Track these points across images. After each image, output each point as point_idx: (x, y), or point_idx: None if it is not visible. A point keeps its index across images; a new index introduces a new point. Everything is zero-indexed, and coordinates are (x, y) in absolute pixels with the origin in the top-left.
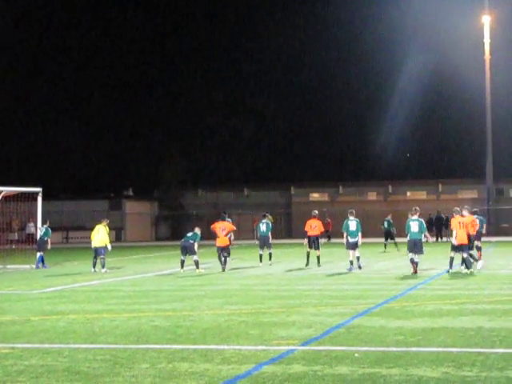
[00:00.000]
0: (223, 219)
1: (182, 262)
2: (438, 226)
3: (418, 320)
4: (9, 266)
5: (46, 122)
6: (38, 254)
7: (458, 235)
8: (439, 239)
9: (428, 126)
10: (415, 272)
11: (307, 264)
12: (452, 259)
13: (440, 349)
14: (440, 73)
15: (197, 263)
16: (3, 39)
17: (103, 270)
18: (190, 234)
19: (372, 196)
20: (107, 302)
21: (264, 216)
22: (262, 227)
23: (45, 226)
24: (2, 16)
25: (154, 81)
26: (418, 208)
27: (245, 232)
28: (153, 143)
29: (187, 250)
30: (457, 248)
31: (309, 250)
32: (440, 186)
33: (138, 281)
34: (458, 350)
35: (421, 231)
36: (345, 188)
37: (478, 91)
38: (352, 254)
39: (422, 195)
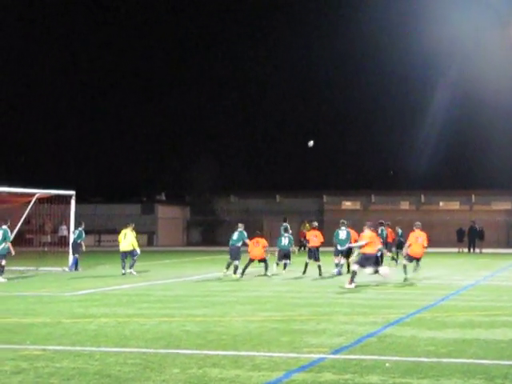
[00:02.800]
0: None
1: (228, 265)
2: (471, 237)
3: (449, 331)
4: (41, 268)
5: (81, 125)
6: (73, 257)
7: (413, 248)
8: (471, 250)
9: (462, 135)
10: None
11: (304, 272)
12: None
13: (471, 360)
14: (472, 83)
15: (235, 268)
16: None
17: (129, 270)
18: (235, 237)
19: (404, 205)
20: (138, 305)
21: (285, 229)
22: (284, 241)
23: (79, 228)
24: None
25: (187, 84)
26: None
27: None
28: (185, 148)
29: (231, 254)
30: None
31: (308, 260)
32: (473, 196)
33: (169, 285)
34: (490, 362)
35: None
36: (377, 197)
37: (510, 101)
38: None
39: (454, 205)
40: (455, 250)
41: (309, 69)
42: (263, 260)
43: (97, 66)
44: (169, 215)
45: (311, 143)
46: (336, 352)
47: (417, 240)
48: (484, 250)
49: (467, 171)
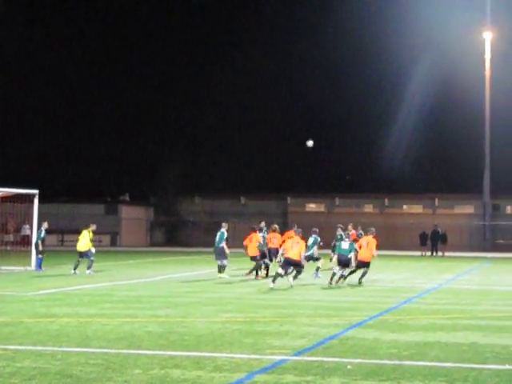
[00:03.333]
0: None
1: (219, 267)
2: (434, 240)
3: (411, 334)
4: (3, 268)
5: (45, 124)
6: (38, 257)
7: (361, 253)
8: (434, 253)
9: (426, 140)
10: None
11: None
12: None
13: (433, 363)
14: (438, 88)
15: (220, 268)
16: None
17: (88, 272)
18: (217, 238)
19: (368, 208)
20: (101, 306)
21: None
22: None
23: (42, 228)
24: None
25: (153, 86)
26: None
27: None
28: (150, 149)
29: (216, 255)
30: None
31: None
32: (437, 200)
33: (131, 286)
34: (451, 364)
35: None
36: (341, 199)
37: (476, 107)
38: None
39: (418, 209)
40: (418, 253)
41: (278, 70)
42: (254, 258)
43: (63, 63)
44: (132, 216)
45: (310, 143)
46: (298, 354)
47: (367, 245)
48: (446, 254)
49: (431, 175)
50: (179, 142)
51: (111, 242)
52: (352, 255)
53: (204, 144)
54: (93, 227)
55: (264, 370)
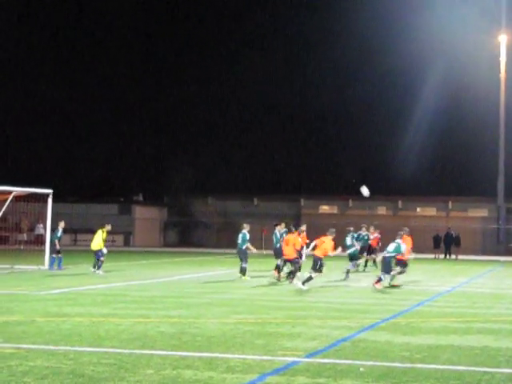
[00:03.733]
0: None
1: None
2: (447, 243)
3: (424, 336)
4: (16, 267)
5: (59, 124)
6: (58, 256)
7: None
8: (447, 256)
9: (440, 142)
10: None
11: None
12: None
13: (445, 366)
14: (454, 91)
15: (242, 270)
16: None
17: (97, 271)
18: (239, 240)
19: (382, 211)
20: (113, 306)
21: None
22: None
23: (59, 227)
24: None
25: (166, 86)
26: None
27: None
28: (164, 149)
29: (239, 257)
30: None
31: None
32: (450, 203)
33: (144, 286)
34: (464, 368)
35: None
36: (355, 201)
37: (491, 110)
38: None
39: (431, 212)
40: (431, 256)
41: (291, 71)
42: (292, 261)
43: (73, 64)
44: (146, 216)
45: (366, 192)
46: (310, 356)
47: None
48: (460, 257)
49: (445, 178)
50: (193, 142)
51: (124, 241)
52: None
53: (218, 144)
54: (108, 227)
55: (276, 372)
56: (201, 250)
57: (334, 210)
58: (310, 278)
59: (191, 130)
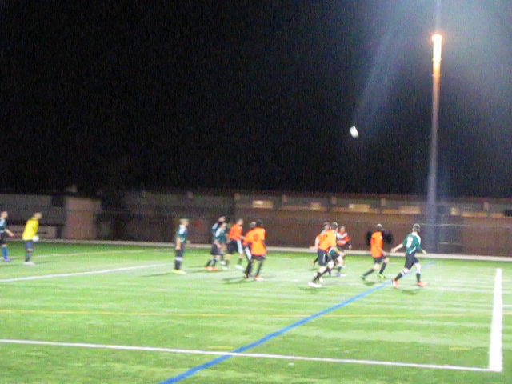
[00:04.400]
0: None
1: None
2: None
3: (353, 332)
4: None
5: None
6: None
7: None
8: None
9: (374, 141)
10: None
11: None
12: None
13: (374, 362)
14: (388, 90)
15: (176, 263)
16: None
17: (25, 263)
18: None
19: (315, 207)
20: (44, 298)
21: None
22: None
23: (1, 217)
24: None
25: (103, 79)
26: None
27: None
28: (98, 141)
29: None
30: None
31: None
32: (383, 200)
33: (76, 278)
34: (392, 363)
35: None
36: (289, 197)
37: (424, 109)
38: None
39: (364, 208)
40: (364, 252)
41: (225, 64)
42: (259, 257)
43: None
44: (79, 208)
45: (354, 132)
46: (240, 350)
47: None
48: (391, 254)
49: (378, 176)
50: (128, 135)
51: (57, 233)
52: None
53: (152, 137)
54: (37, 216)
55: (206, 366)
56: (134, 243)
57: (268, 205)
58: (319, 274)
59: (127, 123)
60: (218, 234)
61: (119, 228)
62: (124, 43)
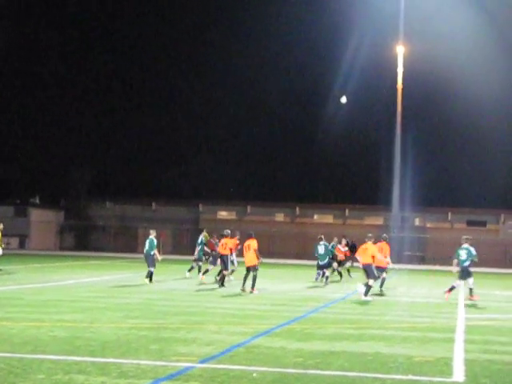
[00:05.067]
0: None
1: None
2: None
3: (317, 343)
4: None
5: None
6: None
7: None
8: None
9: (338, 151)
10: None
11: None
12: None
13: (338, 372)
14: (353, 101)
15: (148, 274)
16: None
17: None
18: (146, 246)
19: (279, 217)
20: (6, 309)
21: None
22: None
23: None
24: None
25: (67, 88)
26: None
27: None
28: (61, 151)
29: (146, 261)
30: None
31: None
32: (347, 211)
33: (39, 290)
34: (356, 374)
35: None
36: (253, 208)
37: (389, 120)
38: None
39: (328, 219)
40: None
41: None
42: (253, 268)
43: None
44: (42, 219)
45: (344, 99)
46: (204, 361)
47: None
48: (355, 264)
49: (342, 187)
50: (92, 146)
51: (20, 244)
52: None
53: (116, 148)
54: (0, 227)
55: (169, 377)
56: (98, 253)
57: (233, 215)
58: (369, 287)
59: (90, 134)
60: (199, 240)
61: (83, 239)
62: (88, 50)
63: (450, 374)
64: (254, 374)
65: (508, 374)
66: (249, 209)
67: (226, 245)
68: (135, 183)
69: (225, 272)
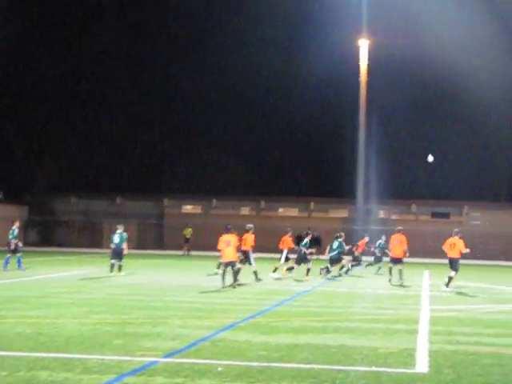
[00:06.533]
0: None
1: (112, 266)
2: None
3: (282, 336)
4: None
5: None
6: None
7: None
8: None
9: (303, 145)
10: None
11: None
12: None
13: (302, 365)
14: (316, 94)
15: (119, 267)
16: None
17: None
18: (117, 240)
19: (245, 211)
20: None
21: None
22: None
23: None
24: None
25: (30, 82)
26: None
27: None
28: (25, 145)
29: (117, 255)
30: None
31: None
32: (312, 203)
33: (3, 286)
34: (320, 366)
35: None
36: (218, 201)
37: (353, 113)
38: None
39: (294, 212)
40: (293, 256)
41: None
42: (233, 263)
43: None
44: (5, 214)
45: (431, 158)
46: (169, 355)
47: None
48: (321, 257)
49: (307, 179)
50: (56, 140)
51: None
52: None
53: (81, 142)
54: None
55: (134, 372)
56: (63, 249)
57: (198, 209)
58: (450, 279)
59: (54, 127)
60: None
61: (47, 234)
62: (51, 46)
63: (413, 365)
64: (219, 368)
65: (471, 364)
66: (214, 202)
67: (246, 240)
68: (100, 178)
69: (253, 268)
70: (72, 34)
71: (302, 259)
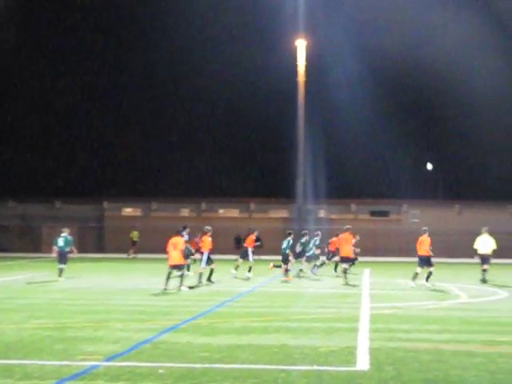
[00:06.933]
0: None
1: (61, 270)
2: (238, 243)
3: (224, 337)
4: None
5: None
6: None
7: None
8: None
9: (243, 145)
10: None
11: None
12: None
13: (244, 366)
14: (255, 95)
15: (60, 271)
16: None
17: None
18: (61, 243)
19: (185, 212)
20: None
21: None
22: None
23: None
24: None
25: None
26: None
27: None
28: None
29: (61, 258)
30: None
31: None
32: (252, 204)
33: None
34: (262, 366)
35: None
36: (158, 204)
37: (292, 112)
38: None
39: (234, 213)
40: (234, 257)
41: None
42: (179, 267)
43: None
44: None
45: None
46: (110, 359)
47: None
48: (263, 257)
49: (246, 180)
50: None
51: None
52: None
53: (19, 145)
54: None
55: (74, 377)
56: (1, 254)
57: (138, 212)
58: (430, 274)
59: None
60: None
61: None
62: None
63: (354, 362)
64: (161, 371)
65: (411, 360)
66: (154, 205)
67: (204, 242)
68: (38, 181)
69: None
70: (56, 32)
71: (284, 260)
